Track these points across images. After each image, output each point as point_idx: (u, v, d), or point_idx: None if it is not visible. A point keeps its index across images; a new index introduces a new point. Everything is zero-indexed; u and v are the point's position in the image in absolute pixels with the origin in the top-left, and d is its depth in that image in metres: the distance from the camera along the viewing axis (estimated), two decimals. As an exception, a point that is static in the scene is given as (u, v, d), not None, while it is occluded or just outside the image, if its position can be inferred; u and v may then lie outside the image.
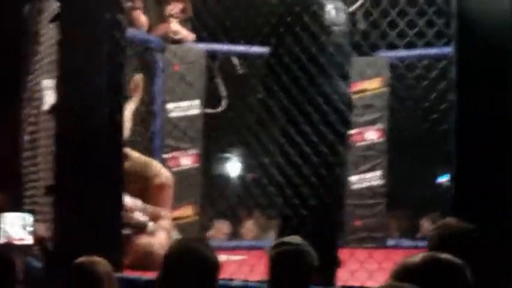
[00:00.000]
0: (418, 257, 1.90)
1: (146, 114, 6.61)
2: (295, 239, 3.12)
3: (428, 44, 4.09)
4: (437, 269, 1.85)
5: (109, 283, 2.95)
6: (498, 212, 3.56)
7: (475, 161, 3.68)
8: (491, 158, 3.64)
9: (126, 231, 5.09)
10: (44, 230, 5.02)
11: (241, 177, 9.26)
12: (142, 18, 6.49)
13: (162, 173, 5.83)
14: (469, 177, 3.71)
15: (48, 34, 5.21)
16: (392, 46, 4.42)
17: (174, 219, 6.36)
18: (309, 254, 3.02)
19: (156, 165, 5.92)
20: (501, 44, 3.62)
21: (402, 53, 6.34)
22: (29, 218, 4.99)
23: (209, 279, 2.51)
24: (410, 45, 4.20)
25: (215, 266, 2.53)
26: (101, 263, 3.01)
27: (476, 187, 3.66)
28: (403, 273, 1.86)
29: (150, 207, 5.50)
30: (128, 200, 5.29)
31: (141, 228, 5.27)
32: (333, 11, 4.35)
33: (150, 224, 5.35)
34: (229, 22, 5.03)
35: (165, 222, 5.55)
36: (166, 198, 5.75)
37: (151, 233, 5.31)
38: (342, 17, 4.43)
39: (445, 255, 1.92)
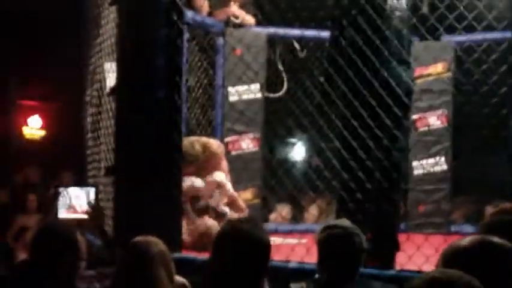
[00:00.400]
0: (467, 239, 1.87)
1: (207, 98, 6.67)
2: (344, 222, 3.12)
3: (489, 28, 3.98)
4: (486, 252, 1.82)
5: (163, 263, 2.98)
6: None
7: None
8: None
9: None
10: None
11: (306, 162, 9.23)
12: (202, 2, 6.52)
13: (211, 144, 5.68)
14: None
15: (109, 17, 5.28)
16: (455, 30, 4.32)
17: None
18: (358, 236, 3.01)
19: (197, 139, 5.75)
20: None
21: (469, 37, 6.18)
22: (92, 192, 5.07)
23: (260, 259, 2.52)
24: (470, 29, 4.08)
25: (266, 247, 2.53)
26: (155, 243, 3.04)
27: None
28: (452, 256, 1.84)
29: (233, 193, 5.54)
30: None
31: (221, 217, 5.31)
32: None
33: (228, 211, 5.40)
34: (286, 5, 5.01)
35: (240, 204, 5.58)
36: (223, 167, 5.72)
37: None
38: (402, 3, 4.37)
39: (495, 239, 1.88)
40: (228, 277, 2.45)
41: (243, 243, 2.48)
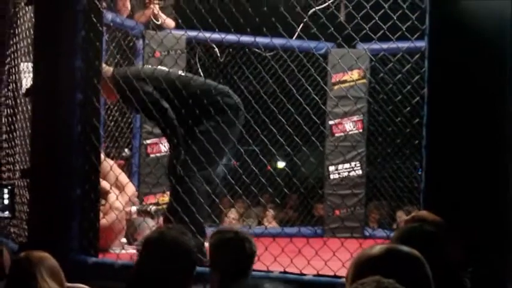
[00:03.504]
0: (377, 248, 1.92)
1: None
2: (235, 227, 3.24)
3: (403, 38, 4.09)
4: (393, 260, 1.87)
5: (51, 275, 2.97)
6: (467, 206, 3.58)
7: (446, 154, 3.69)
8: (462, 152, 3.65)
9: None
10: None
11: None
12: (123, 4, 6.47)
13: None
14: (439, 170, 3.72)
15: (25, 16, 5.17)
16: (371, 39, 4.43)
17: (156, 204, 6.37)
18: (248, 241, 3.09)
19: None
20: (474, 37, 3.61)
21: (383, 45, 6.33)
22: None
23: (185, 265, 2.61)
24: (387, 39, 4.18)
25: (191, 253, 2.63)
26: (45, 257, 3.01)
27: (447, 180, 3.67)
28: (362, 264, 1.88)
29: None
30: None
31: None
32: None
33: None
34: (205, 10, 5.04)
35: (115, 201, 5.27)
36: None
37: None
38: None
39: (402, 247, 1.93)
40: (154, 282, 2.53)
41: (168, 249, 2.58)
